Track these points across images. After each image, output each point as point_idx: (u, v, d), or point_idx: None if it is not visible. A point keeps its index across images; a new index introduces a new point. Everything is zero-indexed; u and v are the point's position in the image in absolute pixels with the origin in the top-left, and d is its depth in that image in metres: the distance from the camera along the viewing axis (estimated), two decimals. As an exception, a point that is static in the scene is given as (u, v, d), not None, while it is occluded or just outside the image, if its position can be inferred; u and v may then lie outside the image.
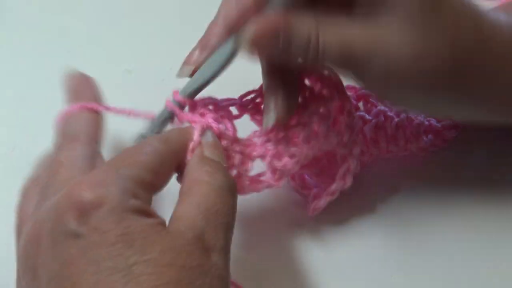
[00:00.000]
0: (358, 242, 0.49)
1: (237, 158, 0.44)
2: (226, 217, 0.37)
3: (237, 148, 0.44)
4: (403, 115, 0.51)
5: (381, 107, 0.52)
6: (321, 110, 0.45)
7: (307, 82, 0.46)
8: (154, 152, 0.38)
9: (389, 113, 0.51)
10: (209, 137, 0.42)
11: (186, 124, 0.42)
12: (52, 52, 0.61)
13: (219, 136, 0.43)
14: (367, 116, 0.51)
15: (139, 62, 0.60)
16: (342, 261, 0.48)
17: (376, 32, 0.40)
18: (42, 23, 0.64)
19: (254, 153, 0.45)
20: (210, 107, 0.44)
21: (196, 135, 0.41)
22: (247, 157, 0.44)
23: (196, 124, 0.42)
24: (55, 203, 0.36)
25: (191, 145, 0.40)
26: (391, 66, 0.40)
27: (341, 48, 0.40)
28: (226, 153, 0.43)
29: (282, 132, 0.45)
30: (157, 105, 0.52)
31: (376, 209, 0.51)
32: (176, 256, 0.34)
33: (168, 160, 0.39)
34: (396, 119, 0.51)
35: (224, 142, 0.43)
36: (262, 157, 0.45)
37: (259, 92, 0.46)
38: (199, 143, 0.41)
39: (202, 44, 0.43)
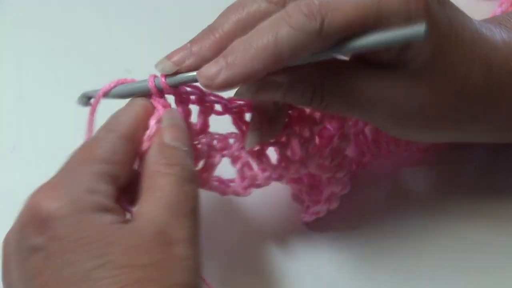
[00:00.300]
0: (358, 242, 0.49)
1: (203, 150, 0.43)
2: (189, 205, 0.37)
3: (204, 140, 0.43)
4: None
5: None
6: (305, 133, 0.44)
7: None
8: (105, 142, 0.38)
9: (389, 113, 0.51)
10: (170, 118, 0.40)
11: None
12: (52, 52, 0.61)
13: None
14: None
15: (139, 62, 0.60)
16: (342, 261, 0.48)
17: (383, 80, 0.40)
18: (42, 23, 0.64)
19: (225, 152, 0.44)
20: (193, 97, 0.42)
21: (152, 123, 0.39)
22: (215, 151, 0.44)
23: (155, 113, 0.40)
24: (19, 217, 0.36)
25: (146, 133, 0.39)
26: (397, 112, 0.41)
27: (347, 96, 0.40)
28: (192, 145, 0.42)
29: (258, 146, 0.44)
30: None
31: (376, 209, 0.51)
32: (134, 256, 0.33)
33: (120, 148, 0.38)
34: (396, 119, 0.51)
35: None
36: (234, 160, 0.44)
37: (248, 104, 0.44)
38: (157, 131, 0.39)
39: (194, 51, 0.40)
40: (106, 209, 0.35)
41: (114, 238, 0.34)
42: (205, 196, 0.48)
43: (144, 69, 0.59)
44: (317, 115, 0.44)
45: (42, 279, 0.34)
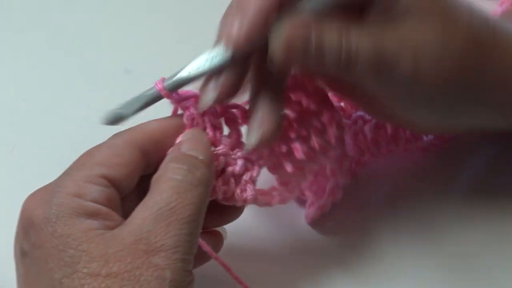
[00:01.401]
0: (358, 242, 0.49)
1: (238, 165, 0.42)
2: (185, 212, 0.36)
3: (240, 153, 0.42)
4: (403, 115, 0.51)
5: (381, 107, 0.52)
6: (316, 123, 0.43)
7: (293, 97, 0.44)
8: (106, 147, 0.39)
9: (389, 113, 0.51)
10: (191, 133, 0.40)
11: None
12: (52, 52, 0.61)
13: (214, 143, 0.41)
14: (367, 116, 0.51)
15: (139, 62, 0.60)
16: (342, 261, 0.48)
17: (398, 31, 0.40)
18: (42, 23, 0.64)
19: (261, 161, 0.43)
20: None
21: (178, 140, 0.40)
22: (252, 162, 0.43)
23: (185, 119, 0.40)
24: (18, 219, 0.37)
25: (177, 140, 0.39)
26: (418, 65, 0.40)
27: (375, 50, 0.39)
28: (225, 160, 0.41)
29: (284, 145, 0.43)
30: (156, 105, 0.51)
31: (376, 209, 0.51)
32: (104, 264, 0.33)
33: (122, 151, 0.38)
34: (396, 119, 0.51)
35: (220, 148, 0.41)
36: (273, 168, 0.43)
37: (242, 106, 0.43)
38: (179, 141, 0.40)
39: (241, 13, 0.38)
40: (89, 214, 0.35)
41: (89, 246, 0.34)
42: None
43: (144, 69, 0.60)
44: (314, 106, 0.44)
45: (27, 284, 0.35)
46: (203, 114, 0.42)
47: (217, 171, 0.41)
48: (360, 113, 0.50)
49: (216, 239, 0.45)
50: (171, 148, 0.40)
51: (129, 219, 0.36)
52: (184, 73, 0.40)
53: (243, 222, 0.47)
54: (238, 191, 0.42)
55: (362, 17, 0.41)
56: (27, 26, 0.64)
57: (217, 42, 0.40)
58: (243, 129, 0.43)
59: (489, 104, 0.44)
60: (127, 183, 0.38)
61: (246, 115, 0.42)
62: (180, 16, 0.65)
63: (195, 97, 0.41)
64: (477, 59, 0.42)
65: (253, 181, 0.43)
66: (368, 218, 0.50)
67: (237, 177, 0.42)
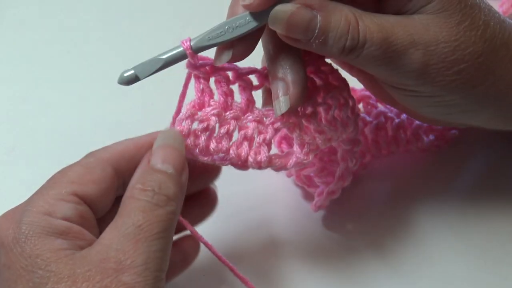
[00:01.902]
0: (358, 241, 0.49)
1: (251, 128, 0.42)
2: (153, 229, 0.36)
3: (251, 117, 0.43)
4: (403, 116, 0.51)
5: (381, 108, 0.52)
6: (339, 96, 0.44)
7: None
8: (80, 165, 0.39)
9: (389, 114, 0.51)
10: (163, 138, 0.40)
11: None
12: (52, 52, 0.61)
13: (225, 109, 0.42)
14: (367, 118, 0.51)
15: (139, 62, 0.60)
16: (342, 261, 0.48)
17: (412, 24, 0.40)
18: (42, 23, 0.64)
19: (277, 124, 0.43)
20: (229, 73, 0.42)
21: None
22: (266, 126, 0.43)
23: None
24: None
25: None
26: (429, 57, 0.40)
27: (382, 35, 0.39)
28: (237, 124, 0.42)
29: (310, 107, 0.43)
30: (156, 105, 0.52)
31: (376, 208, 0.51)
32: (71, 284, 0.34)
33: (95, 168, 0.39)
34: (396, 120, 0.51)
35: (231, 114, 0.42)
36: (290, 129, 0.43)
37: (260, 71, 0.44)
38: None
39: None
40: (60, 233, 0.36)
41: (57, 266, 0.34)
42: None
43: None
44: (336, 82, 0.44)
45: None
46: (216, 81, 0.42)
47: (229, 134, 0.42)
48: (360, 115, 0.50)
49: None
50: (142, 160, 0.40)
51: (98, 240, 0.36)
52: (209, 37, 0.40)
53: (244, 222, 0.47)
54: (252, 153, 0.42)
55: (376, 9, 0.41)
56: (27, 26, 0.64)
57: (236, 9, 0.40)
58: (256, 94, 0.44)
59: (495, 106, 0.44)
60: (101, 200, 0.39)
61: (263, 80, 0.43)
62: (180, 17, 0.65)
63: (210, 66, 0.42)
64: (489, 61, 0.42)
65: (267, 143, 0.43)
66: (369, 218, 0.50)
67: (251, 140, 0.43)
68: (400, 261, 0.48)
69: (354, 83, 0.48)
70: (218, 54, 0.40)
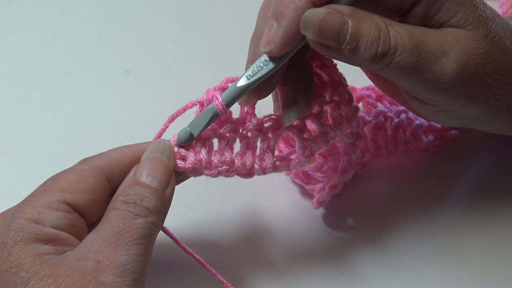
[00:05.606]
0: (358, 241, 0.49)
1: (252, 137, 0.43)
2: (133, 235, 0.37)
3: (251, 126, 0.43)
4: (403, 116, 0.51)
5: (381, 107, 0.52)
6: (344, 92, 0.44)
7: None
8: (73, 173, 0.39)
9: (389, 114, 0.51)
10: (151, 151, 0.40)
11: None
12: (52, 52, 0.61)
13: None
14: (367, 117, 0.51)
15: (138, 62, 0.60)
16: (342, 260, 0.48)
17: (441, 35, 0.40)
18: (42, 23, 0.64)
19: (279, 131, 0.44)
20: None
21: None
22: (265, 132, 0.44)
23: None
24: None
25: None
26: (462, 68, 0.40)
27: (413, 41, 0.39)
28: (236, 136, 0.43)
29: (318, 106, 0.44)
30: (155, 105, 0.52)
31: (376, 208, 0.51)
32: (52, 285, 0.35)
33: (88, 177, 0.39)
34: (396, 120, 0.51)
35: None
36: (294, 132, 0.44)
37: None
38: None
39: (276, 16, 0.39)
40: (47, 240, 0.36)
41: (40, 267, 0.35)
42: (215, 198, 0.49)
43: (144, 69, 0.60)
44: (334, 80, 0.45)
45: None
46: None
47: (231, 146, 0.43)
48: (360, 114, 0.50)
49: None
50: (129, 172, 0.40)
51: (80, 244, 0.37)
52: (237, 87, 0.41)
53: (244, 222, 0.47)
54: (257, 161, 0.43)
55: (402, 19, 0.41)
56: (27, 27, 0.64)
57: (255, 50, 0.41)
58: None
59: (509, 115, 0.44)
60: (92, 209, 0.39)
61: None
62: (179, 17, 0.65)
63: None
64: (509, 73, 0.42)
65: (271, 149, 0.44)
66: (369, 218, 0.50)
67: (253, 148, 0.43)
68: (399, 260, 0.48)
69: (353, 82, 0.48)
70: (247, 100, 0.42)
